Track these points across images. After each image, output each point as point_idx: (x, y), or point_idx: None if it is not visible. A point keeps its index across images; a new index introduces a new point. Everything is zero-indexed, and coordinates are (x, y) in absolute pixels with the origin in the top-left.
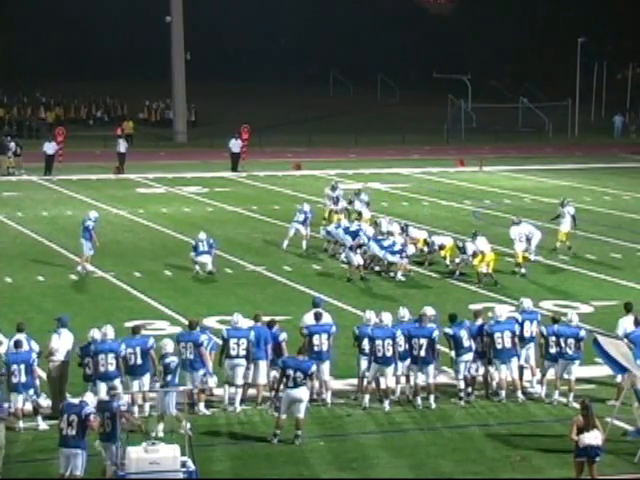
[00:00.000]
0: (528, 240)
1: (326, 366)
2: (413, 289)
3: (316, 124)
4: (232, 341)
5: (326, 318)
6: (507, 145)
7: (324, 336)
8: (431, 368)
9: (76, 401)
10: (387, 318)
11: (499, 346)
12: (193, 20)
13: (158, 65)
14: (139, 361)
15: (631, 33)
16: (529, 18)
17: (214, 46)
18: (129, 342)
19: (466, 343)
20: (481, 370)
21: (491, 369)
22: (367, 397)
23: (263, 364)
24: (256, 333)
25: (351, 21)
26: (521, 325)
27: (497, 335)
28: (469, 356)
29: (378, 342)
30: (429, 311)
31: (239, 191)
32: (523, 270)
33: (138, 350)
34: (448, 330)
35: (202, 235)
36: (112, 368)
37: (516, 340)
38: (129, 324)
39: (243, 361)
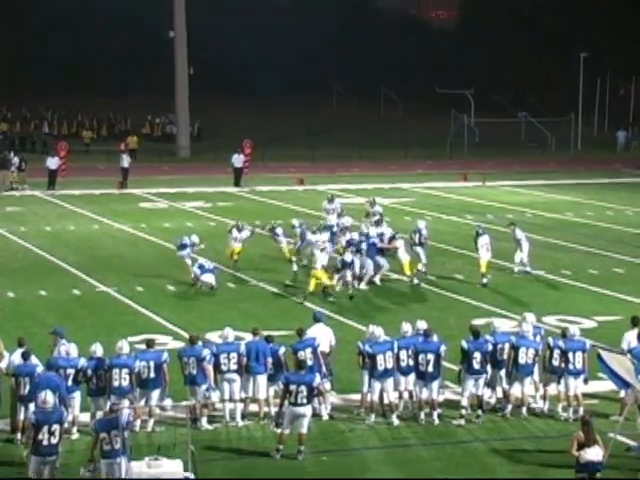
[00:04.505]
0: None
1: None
2: (416, 303)
3: (319, 139)
4: (222, 356)
5: (325, 332)
6: (510, 160)
7: (308, 350)
8: (436, 384)
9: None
10: (380, 332)
11: (522, 361)
12: (196, 35)
13: (161, 80)
14: (152, 375)
15: (634, 48)
16: (531, 33)
17: (217, 60)
18: (143, 356)
19: (476, 365)
20: (493, 397)
21: (504, 384)
22: (373, 416)
23: (262, 378)
24: (254, 347)
25: (355, 35)
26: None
27: (522, 350)
28: (480, 377)
29: (379, 357)
30: (421, 325)
31: (242, 206)
32: (485, 280)
33: (152, 364)
34: (463, 343)
35: (194, 237)
36: (125, 383)
37: (537, 359)
38: (132, 339)
39: (235, 375)
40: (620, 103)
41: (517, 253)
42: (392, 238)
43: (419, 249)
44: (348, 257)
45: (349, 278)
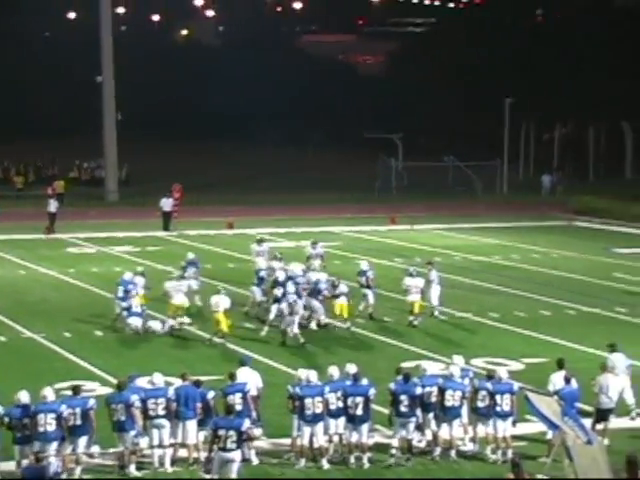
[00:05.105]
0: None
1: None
2: (345, 347)
3: (249, 183)
4: (150, 401)
5: (251, 376)
6: (438, 204)
7: (238, 395)
8: (365, 427)
9: None
10: (314, 377)
11: (448, 403)
12: (126, 78)
13: (90, 124)
14: (78, 422)
15: (557, 95)
16: (458, 80)
17: (148, 105)
18: (70, 402)
19: (403, 409)
20: (423, 440)
21: (433, 426)
22: (303, 460)
23: (192, 424)
24: (183, 392)
25: (284, 80)
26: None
27: (449, 392)
28: (408, 421)
29: (308, 401)
30: (350, 369)
31: (171, 250)
32: (413, 319)
33: (78, 411)
34: (391, 386)
35: (127, 275)
36: (51, 429)
37: (464, 401)
38: (59, 385)
39: (164, 421)
40: (545, 148)
41: (433, 295)
42: (335, 285)
43: (368, 291)
44: (279, 291)
45: (293, 328)
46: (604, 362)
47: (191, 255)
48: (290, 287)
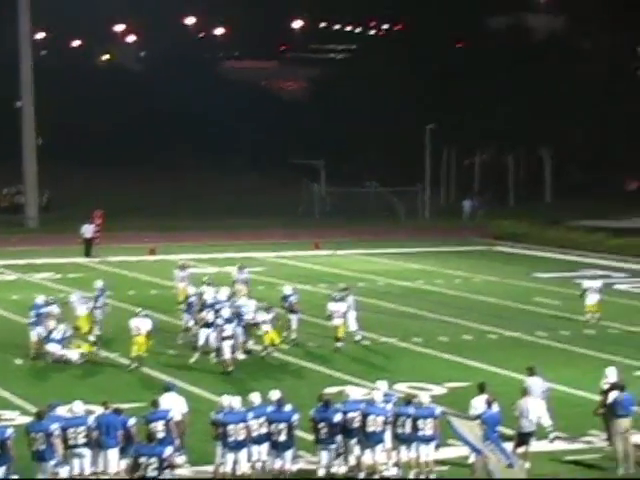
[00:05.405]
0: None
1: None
2: (269, 373)
3: (171, 208)
4: (70, 430)
5: (176, 401)
6: (361, 229)
7: (160, 422)
8: (289, 453)
9: None
10: (237, 403)
11: (370, 429)
12: (47, 103)
13: (10, 149)
14: None
15: (477, 121)
16: (379, 106)
17: (69, 129)
18: None
19: (322, 435)
20: (343, 467)
21: (357, 452)
22: None
23: (113, 452)
24: (104, 420)
25: (206, 105)
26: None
27: (371, 418)
28: (328, 448)
29: (230, 427)
30: (274, 395)
31: (92, 277)
32: (339, 344)
33: None
34: (311, 412)
35: (40, 299)
36: None
37: (387, 426)
38: None
39: (85, 450)
40: (465, 173)
41: (351, 321)
42: (267, 309)
43: (292, 316)
44: (210, 315)
45: (227, 355)
46: (524, 386)
47: (100, 283)
48: (225, 312)
